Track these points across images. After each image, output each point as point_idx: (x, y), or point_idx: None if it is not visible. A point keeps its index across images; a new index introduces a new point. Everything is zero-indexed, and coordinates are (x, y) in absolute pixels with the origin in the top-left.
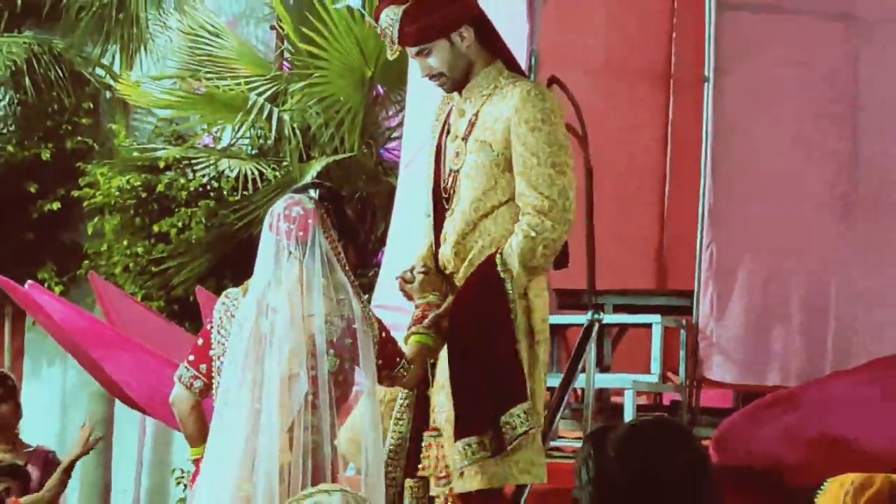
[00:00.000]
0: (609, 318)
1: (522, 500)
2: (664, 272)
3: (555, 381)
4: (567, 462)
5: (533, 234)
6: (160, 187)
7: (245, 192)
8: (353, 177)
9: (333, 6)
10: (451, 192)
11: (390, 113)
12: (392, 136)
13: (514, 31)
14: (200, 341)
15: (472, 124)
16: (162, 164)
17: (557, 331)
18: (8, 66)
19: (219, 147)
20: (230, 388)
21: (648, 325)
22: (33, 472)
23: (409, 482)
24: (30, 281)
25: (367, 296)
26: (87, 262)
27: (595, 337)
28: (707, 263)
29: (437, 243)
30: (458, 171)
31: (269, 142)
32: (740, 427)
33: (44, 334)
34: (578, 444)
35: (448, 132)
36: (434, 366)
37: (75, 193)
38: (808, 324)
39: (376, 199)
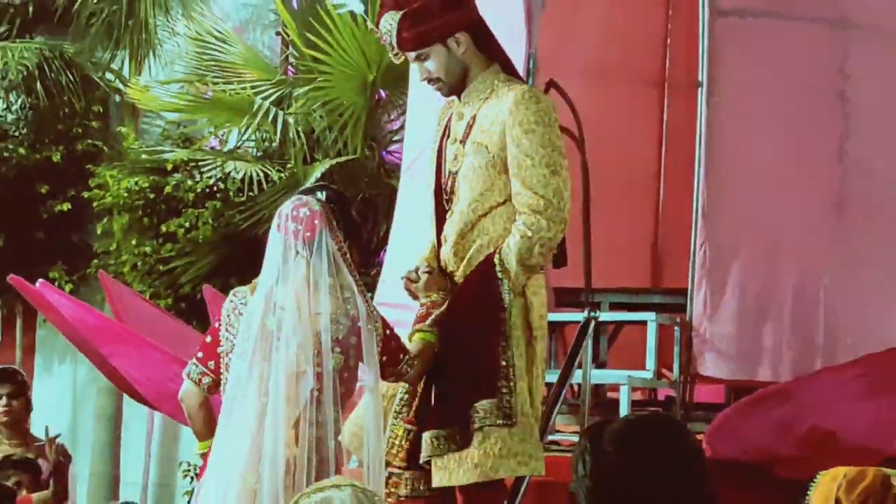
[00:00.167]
0: (605, 315)
1: (521, 491)
2: (659, 271)
3: (552, 377)
4: (564, 456)
5: (529, 233)
6: (168, 188)
7: (250, 194)
8: (355, 178)
9: (337, 13)
10: (451, 193)
11: (392, 116)
12: (394, 139)
13: (512, 36)
14: (209, 338)
15: (469, 127)
16: (170, 166)
17: (555, 328)
18: (20, 70)
19: (225, 149)
20: (238, 384)
21: (643, 323)
22: (44, 466)
23: (407, 474)
24: (41, 279)
25: (370, 294)
26: (96, 261)
27: (591, 334)
28: (700, 263)
29: (439, 243)
30: (456, 173)
31: (274, 144)
32: (733, 421)
33: (54, 331)
34: (575, 439)
35: (448, 136)
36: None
37: (85, 194)
38: (799, 321)
39: (378, 201)
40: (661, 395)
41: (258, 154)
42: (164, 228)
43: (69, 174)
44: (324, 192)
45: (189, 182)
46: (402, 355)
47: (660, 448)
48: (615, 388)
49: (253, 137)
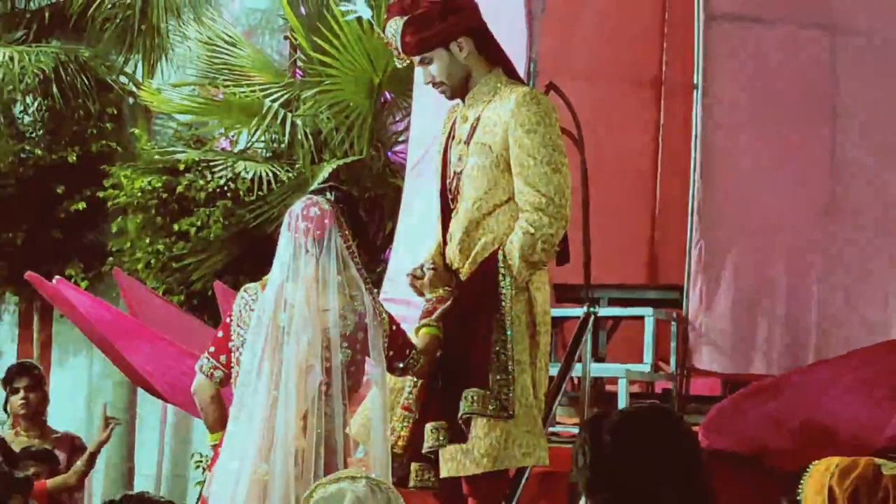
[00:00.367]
0: (604, 311)
1: (523, 481)
2: (656, 268)
3: (553, 370)
4: (565, 447)
5: (532, 230)
6: (180, 188)
7: (260, 193)
8: (361, 179)
9: (344, 18)
10: (456, 193)
11: (397, 118)
12: (399, 139)
13: (514, 41)
14: (220, 333)
15: (473, 128)
16: (182, 167)
17: (555, 323)
18: (37, 74)
19: (235, 150)
20: (249, 378)
21: (641, 318)
22: (61, 456)
23: (414, 465)
24: (58, 276)
25: (376, 291)
26: (111, 258)
27: (590, 329)
28: (696, 259)
29: (445, 242)
30: (461, 173)
31: (283, 145)
32: (727, 413)
33: (71, 326)
34: (575, 430)
35: (453, 137)
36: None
37: (100, 194)
38: (792, 316)
39: (384, 200)
40: (658, 388)
41: (267, 155)
42: (176, 227)
43: (84, 174)
44: (333, 193)
45: (201, 182)
46: (408, 350)
47: (657, 439)
48: (614, 381)
49: (262, 138)
